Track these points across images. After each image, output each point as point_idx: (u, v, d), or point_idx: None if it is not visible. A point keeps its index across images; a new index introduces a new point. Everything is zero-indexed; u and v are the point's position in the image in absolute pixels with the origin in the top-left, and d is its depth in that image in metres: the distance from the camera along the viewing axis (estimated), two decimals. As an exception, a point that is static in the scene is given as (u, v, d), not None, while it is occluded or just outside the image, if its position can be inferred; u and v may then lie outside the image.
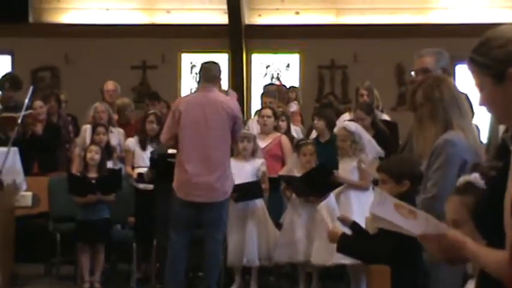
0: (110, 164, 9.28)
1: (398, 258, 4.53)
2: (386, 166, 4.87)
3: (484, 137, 5.87)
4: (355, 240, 4.88)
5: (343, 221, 5.04)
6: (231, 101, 8.02)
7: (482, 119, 5.78)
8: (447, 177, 4.47)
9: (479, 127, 5.95)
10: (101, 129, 9.50)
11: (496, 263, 2.51)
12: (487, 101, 2.64)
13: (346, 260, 7.74)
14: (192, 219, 7.65)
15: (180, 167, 7.62)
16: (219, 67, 7.99)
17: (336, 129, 8.58)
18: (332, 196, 5.00)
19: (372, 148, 8.11)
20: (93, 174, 8.77)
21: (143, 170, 8.82)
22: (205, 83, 7.78)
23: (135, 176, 9.05)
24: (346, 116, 9.99)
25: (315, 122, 9.16)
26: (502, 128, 5.23)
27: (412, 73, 5.59)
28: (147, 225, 8.70)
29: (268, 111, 9.35)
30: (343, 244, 4.80)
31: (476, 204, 2.84)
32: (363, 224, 5.36)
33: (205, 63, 8.12)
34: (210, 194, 7.56)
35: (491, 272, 2.54)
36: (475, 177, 3.03)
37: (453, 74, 12.65)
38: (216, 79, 7.85)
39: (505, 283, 2.48)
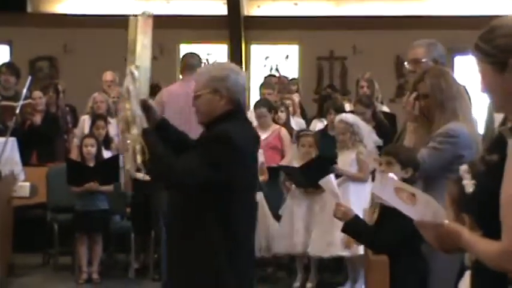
0: (109, 155, 9.26)
1: (402, 246, 4.57)
2: (395, 150, 4.93)
3: (481, 128, 5.90)
4: (368, 225, 4.90)
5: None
6: None
7: (479, 111, 5.79)
8: (435, 157, 4.58)
9: (477, 119, 5.96)
10: (100, 122, 9.45)
11: (491, 254, 2.52)
12: (487, 88, 2.65)
13: (343, 252, 7.77)
14: None
15: None
16: (198, 58, 8.05)
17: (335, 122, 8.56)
18: (332, 176, 4.98)
19: (370, 138, 8.10)
20: (90, 165, 8.76)
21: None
22: (188, 73, 7.75)
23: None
24: (346, 107, 9.97)
25: (328, 114, 9.11)
26: (498, 119, 5.25)
27: (406, 64, 5.63)
28: (145, 216, 8.70)
29: (263, 111, 9.22)
30: (353, 226, 4.81)
31: (461, 196, 2.88)
32: (361, 215, 5.36)
33: (186, 54, 8.19)
34: None
35: (486, 263, 2.55)
36: (463, 169, 3.05)
37: (452, 66, 12.71)
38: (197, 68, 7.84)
39: (502, 272, 2.48)
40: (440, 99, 4.74)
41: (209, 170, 3.92)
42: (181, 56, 8.30)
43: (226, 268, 4.01)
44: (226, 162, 3.96)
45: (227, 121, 4.08)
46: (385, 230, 4.67)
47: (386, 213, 4.56)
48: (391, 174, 4.21)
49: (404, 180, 4.68)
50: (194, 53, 8.24)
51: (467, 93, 4.92)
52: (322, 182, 4.83)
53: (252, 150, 4.21)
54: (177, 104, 7.56)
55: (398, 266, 4.60)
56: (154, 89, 11.01)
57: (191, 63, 7.83)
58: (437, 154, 4.67)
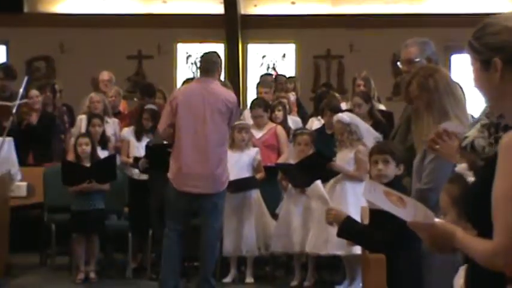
0: (105, 155, 9.24)
1: (398, 244, 4.59)
2: (390, 148, 5.05)
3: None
4: (361, 225, 4.91)
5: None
6: (229, 93, 7.99)
7: (476, 108, 5.76)
8: (443, 167, 4.48)
9: (474, 116, 5.94)
10: (96, 120, 9.43)
11: (483, 254, 2.52)
12: (477, 85, 2.67)
13: (340, 251, 7.77)
14: (188, 209, 7.63)
15: (176, 158, 7.58)
16: (217, 58, 7.86)
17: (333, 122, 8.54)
18: (318, 182, 5.03)
19: (369, 135, 8.09)
20: (86, 164, 8.74)
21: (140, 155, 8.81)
22: (204, 75, 7.75)
23: (131, 160, 9.01)
24: (343, 105, 9.98)
25: (324, 114, 9.11)
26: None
27: (398, 63, 5.62)
28: (143, 216, 8.70)
29: (258, 111, 9.24)
30: (347, 227, 4.82)
31: (464, 194, 2.87)
32: (358, 214, 5.37)
33: (205, 54, 7.98)
34: (206, 185, 7.51)
35: (480, 262, 2.55)
36: (461, 167, 3.05)
37: (448, 64, 12.70)
38: (215, 72, 7.76)
39: (497, 271, 2.48)
40: (427, 99, 4.70)
41: None
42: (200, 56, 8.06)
43: None
44: None
45: None
46: (379, 229, 4.68)
47: (378, 213, 4.56)
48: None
49: (398, 176, 4.81)
50: (214, 52, 8.07)
51: (462, 90, 4.89)
52: (309, 191, 4.85)
53: None
54: (191, 104, 7.55)
55: (395, 263, 4.61)
56: (149, 89, 11.11)
57: (209, 66, 7.72)
58: (442, 161, 4.53)
